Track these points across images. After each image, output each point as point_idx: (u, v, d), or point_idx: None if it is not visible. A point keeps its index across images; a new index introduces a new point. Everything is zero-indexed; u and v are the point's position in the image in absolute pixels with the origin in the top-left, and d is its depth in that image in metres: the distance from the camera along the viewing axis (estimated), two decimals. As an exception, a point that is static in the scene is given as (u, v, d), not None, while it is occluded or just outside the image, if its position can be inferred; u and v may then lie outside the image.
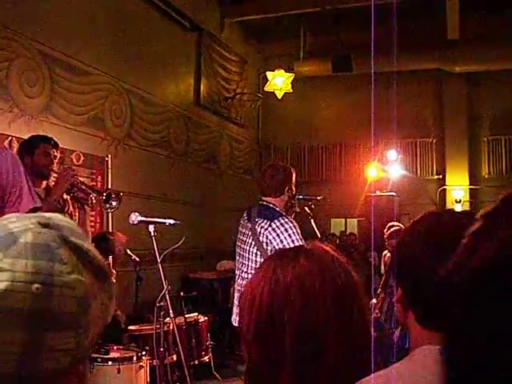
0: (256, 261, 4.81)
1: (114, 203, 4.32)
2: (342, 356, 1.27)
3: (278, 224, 4.64)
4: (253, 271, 4.81)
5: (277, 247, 4.55)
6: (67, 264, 0.89)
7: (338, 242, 11.79)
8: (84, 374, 0.96)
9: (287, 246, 4.45)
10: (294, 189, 5.05)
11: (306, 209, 6.10)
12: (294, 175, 5.05)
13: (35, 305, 0.85)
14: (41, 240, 0.89)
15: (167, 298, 4.53)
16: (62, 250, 0.89)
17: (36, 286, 0.85)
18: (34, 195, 3.48)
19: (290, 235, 4.59)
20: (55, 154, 4.40)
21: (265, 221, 4.70)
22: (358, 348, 1.30)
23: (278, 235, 4.61)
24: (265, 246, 4.69)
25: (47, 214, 0.95)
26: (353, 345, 1.29)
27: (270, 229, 4.65)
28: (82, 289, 0.89)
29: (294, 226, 4.62)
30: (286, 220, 4.64)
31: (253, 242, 4.77)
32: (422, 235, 1.43)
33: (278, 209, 4.80)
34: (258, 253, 4.76)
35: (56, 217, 0.95)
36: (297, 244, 4.43)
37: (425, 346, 1.34)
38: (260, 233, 4.71)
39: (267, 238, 4.67)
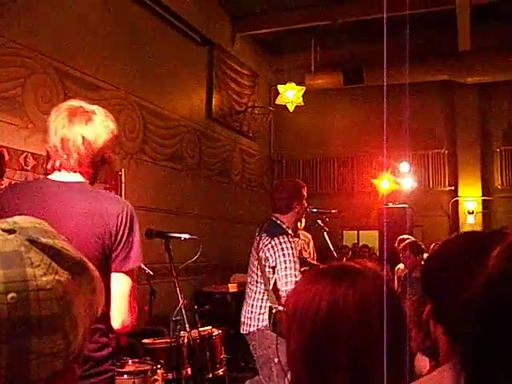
0: (257, 274, 5.00)
1: None
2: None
3: (276, 242, 4.79)
4: (254, 284, 5.05)
5: (272, 264, 4.74)
6: (39, 266, 0.86)
7: (350, 254, 11.76)
8: (77, 377, 0.94)
9: (280, 266, 4.69)
10: (304, 203, 5.12)
11: (320, 222, 6.13)
12: (304, 190, 5.13)
13: (14, 314, 0.82)
14: (8, 248, 0.86)
15: (183, 312, 4.53)
16: (31, 253, 0.86)
17: (11, 295, 0.82)
18: None
19: (284, 255, 4.77)
20: None
21: (267, 237, 4.88)
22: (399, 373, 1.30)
23: (274, 253, 4.78)
24: (263, 262, 4.89)
25: (10, 219, 0.92)
26: (396, 370, 1.28)
27: (269, 246, 4.84)
28: (59, 288, 0.86)
29: (292, 247, 4.80)
30: (286, 239, 4.79)
31: (256, 256, 4.97)
32: (446, 259, 1.47)
33: (284, 226, 4.97)
34: (258, 267, 4.94)
35: (20, 219, 0.92)
36: (288, 265, 4.67)
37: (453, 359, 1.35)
38: (261, 248, 4.89)
39: (265, 254, 4.86)
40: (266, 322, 4.85)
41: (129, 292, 2.54)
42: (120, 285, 2.51)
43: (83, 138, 2.42)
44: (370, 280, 1.36)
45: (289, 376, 4.28)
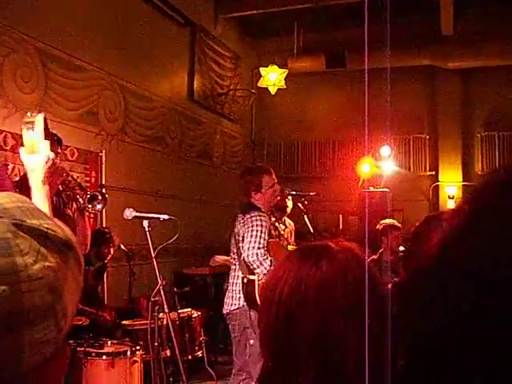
0: (234, 252, 5.17)
1: (98, 206, 4.17)
2: (362, 365, 1.20)
3: (247, 217, 5.10)
4: (234, 263, 5.27)
5: (244, 239, 4.95)
6: (29, 254, 0.81)
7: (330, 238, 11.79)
8: (68, 355, 0.91)
9: (246, 235, 4.91)
10: (268, 188, 5.24)
11: (300, 205, 6.17)
12: (264, 176, 5.28)
13: (6, 308, 0.77)
14: None
15: (162, 293, 4.54)
16: (19, 239, 0.81)
17: (2, 288, 0.77)
18: None
19: (251, 226, 5.06)
20: (58, 150, 4.32)
21: (241, 215, 5.15)
22: (378, 359, 1.23)
23: (244, 226, 5.01)
24: (237, 237, 5.12)
25: None
26: (374, 356, 1.21)
27: (242, 221, 5.09)
28: (51, 275, 0.82)
29: (260, 220, 4.97)
30: (256, 214, 5.03)
31: (233, 235, 5.20)
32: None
33: (258, 204, 5.09)
34: (235, 244, 5.19)
35: (3, 199, 0.86)
36: (253, 234, 4.88)
37: None
38: (236, 226, 5.16)
39: (239, 230, 5.10)
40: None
41: None
42: None
43: None
44: (338, 262, 1.33)
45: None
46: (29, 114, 2.32)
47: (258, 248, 4.81)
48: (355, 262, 1.34)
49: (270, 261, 4.79)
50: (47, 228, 0.86)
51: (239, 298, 5.04)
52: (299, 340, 1.27)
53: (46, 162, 2.36)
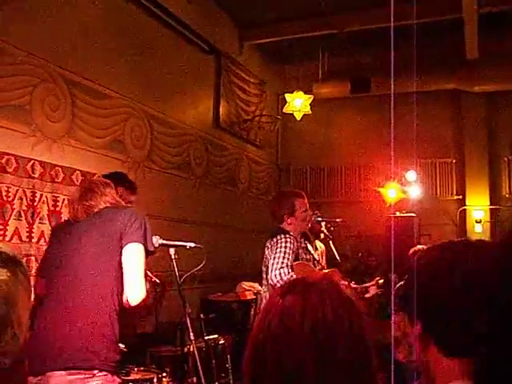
0: (264, 278, 5.16)
1: None
2: None
3: (274, 240, 5.04)
4: (264, 287, 5.27)
5: (271, 262, 4.94)
6: None
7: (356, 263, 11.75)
8: (26, 370, 0.91)
9: (271, 256, 4.94)
10: (300, 213, 5.24)
11: (325, 231, 6.16)
12: (297, 200, 5.29)
13: None
14: None
15: (188, 320, 4.53)
16: None
17: None
18: None
19: (277, 247, 5.04)
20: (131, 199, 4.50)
21: (269, 240, 5.17)
22: None
23: (270, 248, 5.04)
24: (265, 261, 5.13)
25: None
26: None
27: (268, 245, 5.12)
28: (3, 287, 0.85)
29: (286, 241, 5.01)
30: (283, 236, 5.03)
31: (263, 261, 5.22)
32: (446, 272, 1.35)
33: (288, 229, 5.10)
34: (264, 271, 5.18)
35: None
36: (277, 255, 4.88)
37: (453, 380, 1.30)
38: (265, 252, 5.17)
39: (267, 255, 5.13)
40: None
41: None
42: None
43: None
44: (303, 293, 1.34)
45: None
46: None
47: (281, 267, 4.79)
48: (325, 294, 1.34)
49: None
50: None
51: None
52: (262, 365, 1.30)
53: None
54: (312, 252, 5.58)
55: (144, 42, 8.89)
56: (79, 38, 7.52)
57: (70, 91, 7.33)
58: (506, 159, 13.01)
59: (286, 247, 4.93)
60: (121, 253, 3.18)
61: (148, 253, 3.31)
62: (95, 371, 2.95)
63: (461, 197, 13.15)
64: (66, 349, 2.96)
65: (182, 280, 4.45)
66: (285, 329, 1.28)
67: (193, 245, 4.46)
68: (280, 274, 4.77)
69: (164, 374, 5.12)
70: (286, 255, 4.89)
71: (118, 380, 3.18)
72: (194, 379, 5.64)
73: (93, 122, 7.72)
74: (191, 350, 5.24)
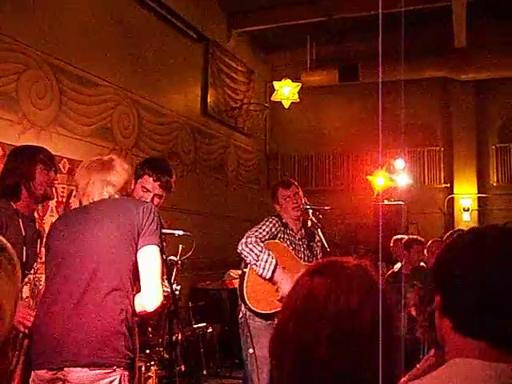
0: None
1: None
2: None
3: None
4: None
5: None
6: None
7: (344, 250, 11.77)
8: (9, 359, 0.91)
9: (248, 232, 5.02)
10: (282, 199, 5.32)
11: (314, 219, 6.14)
12: (279, 190, 5.36)
13: None
14: None
15: (177, 308, 4.53)
16: None
17: None
18: None
19: (256, 226, 5.09)
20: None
21: None
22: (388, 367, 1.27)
23: None
24: None
25: None
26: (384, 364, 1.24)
27: None
28: None
29: (266, 222, 5.14)
30: (269, 217, 5.20)
31: None
32: (464, 251, 1.41)
33: (280, 214, 5.21)
34: None
35: None
36: (251, 232, 4.98)
37: (461, 356, 1.32)
38: None
39: None
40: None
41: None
42: None
43: None
44: (332, 275, 1.35)
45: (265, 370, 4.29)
46: None
47: (248, 237, 4.89)
48: (349, 277, 1.35)
49: (267, 253, 4.80)
50: None
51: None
52: (286, 346, 1.32)
53: None
54: (314, 251, 5.55)
55: (132, 30, 8.85)
56: (67, 25, 7.47)
57: (57, 78, 7.29)
58: (494, 147, 13.05)
59: (264, 224, 5.08)
60: (136, 250, 3.07)
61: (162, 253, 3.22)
62: (115, 367, 2.93)
63: (449, 185, 13.17)
64: (85, 345, 2.91)
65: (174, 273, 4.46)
66: (308, 309, 1.31)
67: (181, 233, 4.44)
68: (245, 242, 4.89)
69: (152, 363, 5.11)
70: (260, 230, 5.02)
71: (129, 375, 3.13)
72: (183, 367, 5.64)
73: (80, 109, 7.69)
74: (180, 338, 5.24)
